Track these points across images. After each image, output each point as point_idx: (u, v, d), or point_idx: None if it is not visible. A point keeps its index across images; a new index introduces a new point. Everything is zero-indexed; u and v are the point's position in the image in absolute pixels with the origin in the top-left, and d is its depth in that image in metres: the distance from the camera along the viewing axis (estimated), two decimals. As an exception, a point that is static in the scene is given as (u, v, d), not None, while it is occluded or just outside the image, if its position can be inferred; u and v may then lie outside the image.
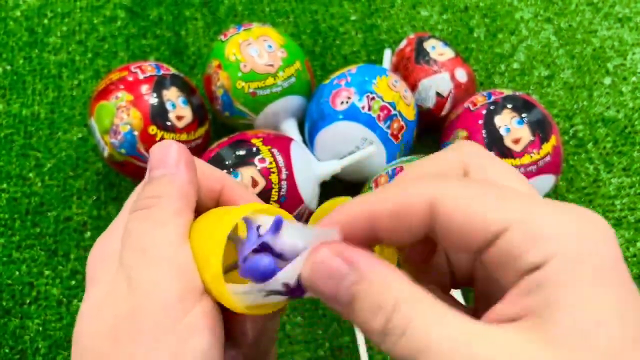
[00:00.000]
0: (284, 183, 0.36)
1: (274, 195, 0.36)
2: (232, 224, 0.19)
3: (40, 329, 0.39)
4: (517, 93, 0.40)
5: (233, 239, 0.20)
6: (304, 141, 0.43)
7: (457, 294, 0.38)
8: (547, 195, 0.41)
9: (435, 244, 0.20)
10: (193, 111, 0.40)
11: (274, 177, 0.36)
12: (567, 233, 0.16)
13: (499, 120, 0.38)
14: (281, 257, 0.19)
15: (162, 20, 0.52)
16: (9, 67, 0.50)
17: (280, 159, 0.36)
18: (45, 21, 0.52)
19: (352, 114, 0.38)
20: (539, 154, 0.37)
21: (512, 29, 0.52)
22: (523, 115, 0.38)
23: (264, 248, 0.19)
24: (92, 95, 0.40)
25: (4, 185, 0.44)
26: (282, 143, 0.38)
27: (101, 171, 0.45)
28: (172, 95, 0.39)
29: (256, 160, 0.36)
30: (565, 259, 0.15)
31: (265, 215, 0.19)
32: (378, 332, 0.16)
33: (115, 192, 0.44)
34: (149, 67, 0.40)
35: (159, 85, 0.39)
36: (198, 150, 0.40)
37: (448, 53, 0.43)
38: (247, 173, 0.36)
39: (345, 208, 0.18)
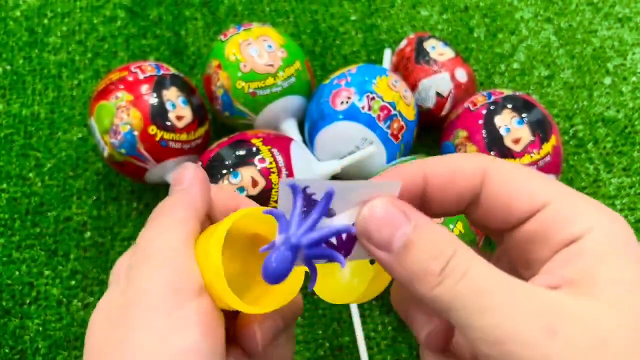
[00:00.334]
0: (284, 183, 0.36)
1: (274, 195, 0.36)
2: (229, 224, 0.20)
3: (40, 329, 0.39)
4: (517, 93, 0.40)
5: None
6: (304, 141, 0.43)
7: None
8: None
9: (453, 329, 0.21)
10: (193, 111, 0.40)
11: (274, 177, 0.36)
12: (600, 212, 0.17)
13: (499, 120, 0.38)
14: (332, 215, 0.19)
15: (162, 20, 0.52)
16: (8, 67, 0.50)
17: (280, 159, 0.36)
18: (45, 21, 0.52)
19: (352, 114, 0.38)
20: (539, 154, 0.37)
21: (512, 28, 0.52)
22: (523, 115, 0.38)
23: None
24: (92, 95, 0.40)
25: (4, 185, 0.44)
26: (282, 143, 0.38)
27: (101, 171, 0.45)
28: (172, 95, 0.39)
29: (256, 160, 0.36)
30: (601, 233, 0.17)
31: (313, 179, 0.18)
32: (436, 275, 0.17)
33: (115, 192, 0.44)
34: (149, 67, 0.40)
35: (159, 85, 0.39)
36: (198, 150, 0.40)
37: (448, 53, 0.43)
38: (247, 173, 0.36)
39: (404, 166, 0.19)
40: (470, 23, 0.52)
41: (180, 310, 0.19)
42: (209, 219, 0.24)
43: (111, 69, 0.49)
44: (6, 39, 0.51)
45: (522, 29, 0.52)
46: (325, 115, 0.39)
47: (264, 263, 0.18)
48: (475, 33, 0.51)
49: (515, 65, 0.50)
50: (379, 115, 0.38)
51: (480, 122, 0.38)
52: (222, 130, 0.44)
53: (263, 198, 0.36)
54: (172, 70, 0.41)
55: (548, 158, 0.37)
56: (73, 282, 0.41)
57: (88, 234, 0.42)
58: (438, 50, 0.43)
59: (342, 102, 0.39)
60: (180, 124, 0.39)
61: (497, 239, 0.21)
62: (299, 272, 0.22)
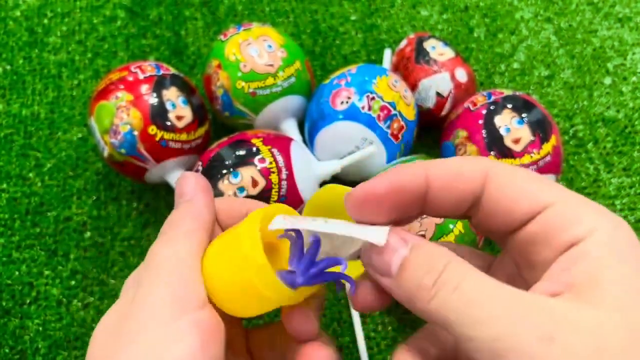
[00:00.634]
0: (284, 183, 0.36)
1: (274, 195, 0.36)
2: (257, 222, 0.20)
3: (40, 329, 0.39)
4: (517, 93, 0.40)
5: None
6: (304, 141, 0.43)
7: None
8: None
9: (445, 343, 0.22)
10: (193, 111, 0.40)
11: (274, 177, 0.36)
12: (602, 215, 0.17)
13: (499, 120, 0.38)
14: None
15: (162, 20, 0.52)
16: (8, 67, 0.50)
17: (280, 159, 0.36)
18: (45, 21, 0.52)
19: (352, 114, 0.38)
20: (539, 154, 0.37)
21: (512, 28, 0.52)
22: (523, 115, 0.38)
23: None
24: (91, 95, 0.40)
25: (4, 185, 0.44)
26: (282, 143, 0.38)
27: (101, 171, 0.45)
28: (172, 95, 0.39)
29: (256, 160, 0.36)
30: (603, 236, 0.17)
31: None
32: (429, 288, 0.17)
33: (115, 192, 0.44)
34: (149, 67, 0.40)
35: (159, 85, 0.39)
36: (198, 150, 0.40)
37: (448, 53, 0.43)
38: (247, 173, 0.36)
39: (406, 166, 0.19)
40: (470, 23, 0.52)
41: (179, 322, 0.19)
42: (219, 224, 0.24)
43: (111, 69, 0.49)
44: (6, 38, 0.51)
45: (522, 28, 0.52)
46: (325, 115, 0.39)
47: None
48: (475, 33, 0.51)
49: (515, 65, 0.50)
50: (379, 115, 0.38)
51: (480, 122, 0.38)
52: (222, 130, 0.44)
53: (263, 198, 0.36)
54: (172, 70, 0.41)
55: (548, 158, 0.37)
56: (73, 282, 0.41)
57: (88, 234, 0.42)
58: (438, 50, 0.43)
59: (342, 102, 0.39)
60: (180, 124, 0.39)
61: (500, 242, 0.21)
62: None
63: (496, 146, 0.37)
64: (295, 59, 0.41)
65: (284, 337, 0.24)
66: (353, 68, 0.41)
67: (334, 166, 0.39)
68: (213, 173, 0.36)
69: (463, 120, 0.39)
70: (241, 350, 0.25)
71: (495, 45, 0.51)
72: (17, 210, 0.43)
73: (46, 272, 0.41)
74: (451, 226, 0.34)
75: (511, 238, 0.19)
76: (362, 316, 0.39)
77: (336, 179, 0.41)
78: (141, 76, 0.39)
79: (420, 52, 0.43)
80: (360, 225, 0.19)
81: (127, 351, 0.19)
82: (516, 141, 0.37)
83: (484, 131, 0.38)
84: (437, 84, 0.42)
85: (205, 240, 0.22)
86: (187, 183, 0.23)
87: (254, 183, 0.35)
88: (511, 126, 0.37)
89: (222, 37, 0.42)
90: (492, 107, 0.39)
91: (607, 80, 0.49)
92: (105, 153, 0.39)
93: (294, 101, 0.42)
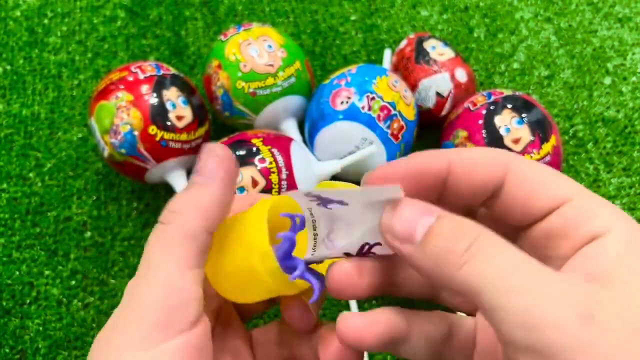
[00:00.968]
0: (284, 183, 0.36)
1: (274, 194, 0.36)
2: (265, 211, 0.20)
3: (40, 329, 0.39)
4: (517, 93, 0.40)
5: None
6: (304, 141, 0.43)
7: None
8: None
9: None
10: (193, 111, 0.40)
11: (274, 177, 0.36)
12: (617, 214, 0.17)
13: (499, 120, 0.38)
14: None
15: (162, 20, 0.52)
16: (9, 67, 0.50)
17: (280, 159, 0.36)
18: (45, 21, 0.52)
19: (352, 114, 0.38)
20: (539, 154, 0.37)
21: (512, 28, 0.52)
22: (523, 115, 0.38)
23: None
24: (92, 95, 0.40)
25: (4, 185, 0.44)
26: (282, 143, 0.38)
27: (101, 171, 0.45)
28: (172, 95, 0.39)
29: (256, 160, 0.36)
30: (621, 233, 0.17)
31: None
32: (460, 254, 0.16)
33: (115, 192, 0.44)
34: (149, 67, 0.40)
35: (159, 85, 0.39)
36: (198, 150, 0.40)
37: (448, 53, 0.43)
38: (247, 173, 0.36)
39: (429, 152, 0.19)
40: (470, 23, 0.52)
41: (165, 345, 0.18)
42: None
43: (111, 69, 0.49)
44: (6, 38, 0.51)
45: (522, 29, 0.52)
46: (325, 115, 0.39)
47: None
48: (475, 33, 0.51)
49: (515, 65, 0.50)
50: (379, 115, 0.38)
51: (480, 122, 0.38)
52: (222, 130, 0.44)
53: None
54: (172, 70, 0.41)
55: (548, 158, 0.37)
56: (73, 282, 0.41)
57: (88, 234, 0.42)
58: (438, 50, 0.43)
59: (342, 102, 0.39)
60: (180, 124, 0.39)
61: (512, 237, 0.21)
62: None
63: (496, 146, 0.37)
64: (295, 59, 0.41)
65: (291, 331, 0.24)
66: (353, 68, 0.41)
67: (334, 166, 0.39)
68: (213, 173, 0.36)
69: (463, 120, 0.39)
70: (243, 354, 0.25)
71: (495, 45, 0.51)
72: (17, 210, 0.43)
73: (46, 272, 0.41)
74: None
75: (526, 232, 0.19)
76: (362, 308, 0.39)
77: (336, 179, 0.41)
78: (141, 76, 0.39)
79: (420, 52, 0.43)
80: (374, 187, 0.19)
81: None
82: (516, 141, 0.37)
83: (484, 131, 0.38)
84: (437, 84, 0.42)
85: (207, 241, 0.20)
86: (209, 160, 0.20)
87: (254, 183, 0.35)
88: (511, 126, 0.37)
89: (222, 37, 0.42)
90: (492, 107, 0.39)
91: (607, 80, 0.49)
92: (106, 153, 0.39)
93: (294, 101, 0.42)
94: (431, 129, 0.45)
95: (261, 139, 0.37)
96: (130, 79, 0.39)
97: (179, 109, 0.39)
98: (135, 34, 0.51)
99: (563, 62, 0.50)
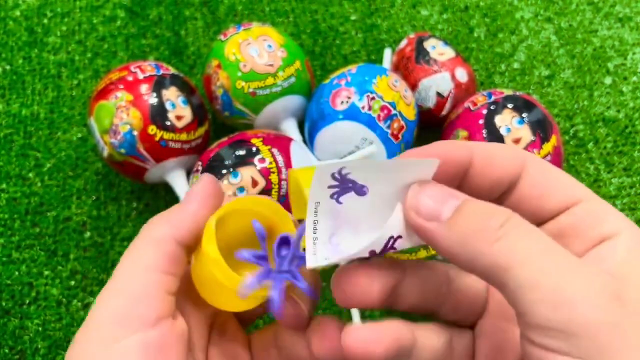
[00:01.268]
0: (284, 183, 0.36)
1: (274, 195, 0.36)
2: (214, 217, 0.21)
3: (40, 329, 0.39)
4: (518, 93, 0.40)
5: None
6: (304, 141, 0.43)
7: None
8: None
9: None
10: (193, 111, 0.40)
11: (273, 177, 0.36)
12: (623, 218, 0.18)
13: (500, 120, 0.38)
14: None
15: (161, 20, 0.52)
16: (8, 67, 0.50)
17: (280, 159, 0.36)
18: (45, 21, 0.52)
19: (352, 114, 0.38)
20: (539, 154, 0.37)
21: (513, 28, 0.52)
22: (523, 115, 0.38)
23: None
24: (91, 95, 0.40)
25: (4, 185, 0.44)
26: (282, 143, 0.38)
27: (101, 171, 0.45)
28: (171, 95, 0.39)
29: (256, 160, 0.36)
30: (630, 235, 0.17)
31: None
32: (495, 229, 0.16)
33: (114, 192, 0.44)
34: (149, 67, 0.40)
35: (159, 85, 0.39)
36: (198, 150, 0.40)
37: (448, 53, 0.43)
38: (247, 173, 0.36)
39: (450, 141, 0.20)
40: (471, 23, 0.52)
41: (121, 343, 0.18)
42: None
43: (111, 68, 0.49)
44: (6, 38, 0.51)
45: (523, 28, 0.51)
46: (325, 115, 0.39)
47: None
48: (475, 33, 0.51)
49: (516, 65, 0.50)
50: (379, 115, 0.38)
51: (481, 122, 0.38)
52: (222, 130, 0.44)
53: (263, 198, 0.35)
54: (172, 70, 0.41)
55: (548, 158, 0.37)
56: (73, 282, 0.41)
57: (88, 234, 0.42)
58: (438, 50, 0.43)
59: (342, 102, 0.39)
60: (180, 124, 0.39)
61: None
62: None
63: (496, 146, 0.37)
64: (295, 58, 0.41)
65: (290, 338, 0.24)
66: (353, 68, 0.41)
67: (334, 166, 0.39)
68: (213, 173, 0.36)
69: (463, 120, 0.39)
70: (242, 358, 0.25)
71: (495, 45, 0.51)
72: (16, 210, 0.43)
73: (46, 272, 0.41)
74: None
75: None
76: (363, 317, 0.39)
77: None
78: (141, 76, 0.39)
79: (421, 52, 0.43)
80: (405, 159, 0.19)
81: None
82: (516, 141, 0.37)
83: (484, 131, 0.38)
84: (437, 83, 0.42)
85: (175, 250, 0.21)
86: (196, 185, 0.22)
87: (254, 183, 0.35)
88: (511, 126, 0.37)
89: (222, 37, 0.42)
90: (492, 107, 0.38)
91: (608, 80, 0.49)
92: (105, 153, 0.39)
93: (294, 101, 0.42)
94: (431, 129, 0.45)
95: (261, 139, 0.37)
96: (130, 78, 0.39)
97: (179, 109, 0.39)
98: (135, 33, 0.51)
99: (563, 62, 0.50)
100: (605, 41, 0.51)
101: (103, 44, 0.51)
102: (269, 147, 0.37)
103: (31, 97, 0.48)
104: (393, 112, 0.39)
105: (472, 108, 0.39)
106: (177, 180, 0.40)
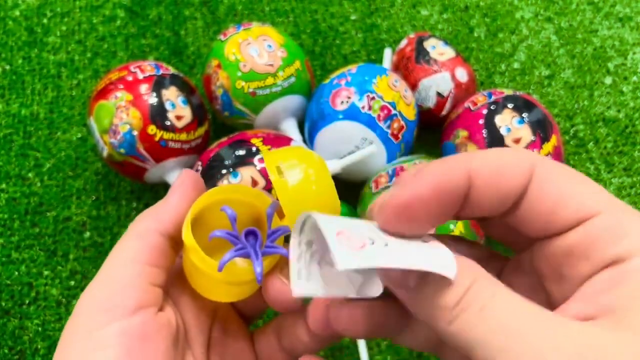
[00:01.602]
0: (283, 183, 0.36)
1: (274, 195, 0.36)
2: (191, 210, 0.21)
3: (40, 329, 0.39)
4: (518, 93, 0.40)
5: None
6: (304, 141, 0.43)
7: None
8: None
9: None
10: (193, 111, 0.40)
11: (273, 177, 0.36)
12: None
13: (500, 120, 0.38)
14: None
15: (161, 19, 0.52)
16: (8, 67, 0.49)
17: (280, 158, 0.36)
18: (45, 21, 0.52)
19: (352, 114, 0.38)
20: (539, 153, 0.37)
21: (513, 28, 0.51)
22: (524, 115, 0.38)
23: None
24: (91, 95, 0.40)
25: (3, 185, 0.44)
26: (282, 143, 0.37)
27: (100, 171, 0.45)
28: (171, 94, 0.39)
29: (256, 160, 0.36)
30: None
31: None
32: (450, 308, 0.15)
33: (114, 192, 0.44)
34: (149, 67, 0.40)
35: (159, 84, 0.39)
36: (198, 150, 0.40)
37: (448, 52, 0.43)
38: (246, 173, 0.35)
39: (442, 162, 0.17)
40: (471, 23, 0.52)
41: (103, 330, 0.19)
42: None
43: (110, 68, 0.49)
44: (5, 38, 0.51)
45: (523, 28, 0.51)
46: (325, 115, 0.39)
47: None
48: (475, 33, 0.51)
49: (516, 65, 0.50)
50: (379, 115, 0.38)
51: (481, 121, 0.38)
52: (222, 130, 0.44)
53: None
54: (172, 70, 0.41)
55: (549, 158, 0.37)
56: (72, 283, 0.41)
57: (87, 234, 0.42)
58: (438, 49, 0.43)
59: (342, 102, 0.39)
60: (179, 124, 0.39)
61: (519, 248, 0.19)
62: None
63: (497, 146, 0.37)
64: (295, 58, 0.41)
65: (290, 325, 0.24)
66: (353, 68, 0.41)
67: (334, 166, 0.39)
68: (213, 173, 0.36)
69: (463, 120, 0.39)
70: (246, 353, 0.25)
71: (495, 45, 0.51)
72: (16, 210, 0.43)
73: (45, 273, 0.41)
74: (452, 226, 0.34)
75: (542, 245, 0.17)
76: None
77: (336, 179, 0.41)
78: (140, 76, 0.39)
79: (421, 52, 0.43)
80: (417, 250, 0.16)
81: (62, 349, 0.19)
82: (517, 141, 0.37)
83: (484, 131, 0.38)
84: (438, 83, 0.42)
85: (160, 242, 0.21)
86: (177, 179, 0.23)
87: (254, 183, 0.35)
88: (512, 126, 0.37)
89: (221, 36, 0.42)
90: (492, 107, 0.38)
91: (608, 80, 0.49)
92: (105, 153, 0.39)
93: (294, 101, 0.42)
94: (431, 128, 0.45)
95: (261, 139, 0.37)
96: (130, 78, 0.39)
97: (179, 109, 0.39)
98: (135, 33, 0.51)
99: (563, 62, 0.50)
100: (605, 41, 0.51)
101: (103, 43, 0.51)
102: (268, 147, 0.37)
103: (31, 97, 0.48)
104: (393, 112, 0.39)
105: (472, 108, 0.39)
106: (177, 180, 0.40)
